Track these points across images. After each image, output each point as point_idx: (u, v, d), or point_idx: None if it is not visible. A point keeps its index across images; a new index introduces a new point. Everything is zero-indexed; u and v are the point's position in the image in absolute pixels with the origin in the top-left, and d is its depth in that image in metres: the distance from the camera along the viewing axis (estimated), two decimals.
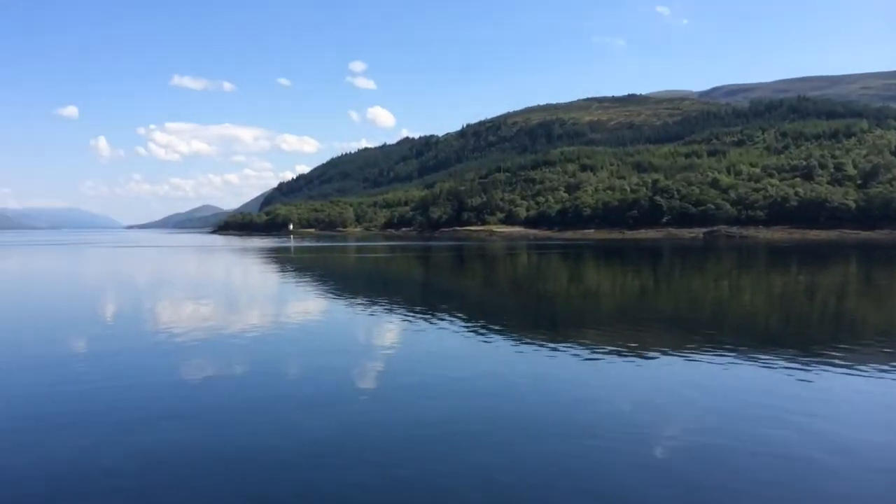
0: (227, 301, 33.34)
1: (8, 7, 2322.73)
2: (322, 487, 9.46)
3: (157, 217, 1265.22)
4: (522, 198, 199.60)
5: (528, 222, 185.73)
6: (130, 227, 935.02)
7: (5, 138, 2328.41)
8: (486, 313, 28.24)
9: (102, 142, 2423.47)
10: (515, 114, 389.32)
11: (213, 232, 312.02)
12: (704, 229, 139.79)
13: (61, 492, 9.42)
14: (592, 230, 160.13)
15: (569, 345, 19.44)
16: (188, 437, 11.52)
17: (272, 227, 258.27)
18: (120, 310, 30.24)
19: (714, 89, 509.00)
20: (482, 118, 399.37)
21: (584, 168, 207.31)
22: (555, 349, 18.81)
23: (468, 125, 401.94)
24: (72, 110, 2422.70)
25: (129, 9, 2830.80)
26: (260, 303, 33.05)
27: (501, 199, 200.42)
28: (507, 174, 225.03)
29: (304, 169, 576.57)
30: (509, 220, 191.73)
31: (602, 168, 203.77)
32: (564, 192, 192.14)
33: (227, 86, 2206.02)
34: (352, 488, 9.36)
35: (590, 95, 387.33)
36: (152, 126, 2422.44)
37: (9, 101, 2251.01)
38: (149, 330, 23.39)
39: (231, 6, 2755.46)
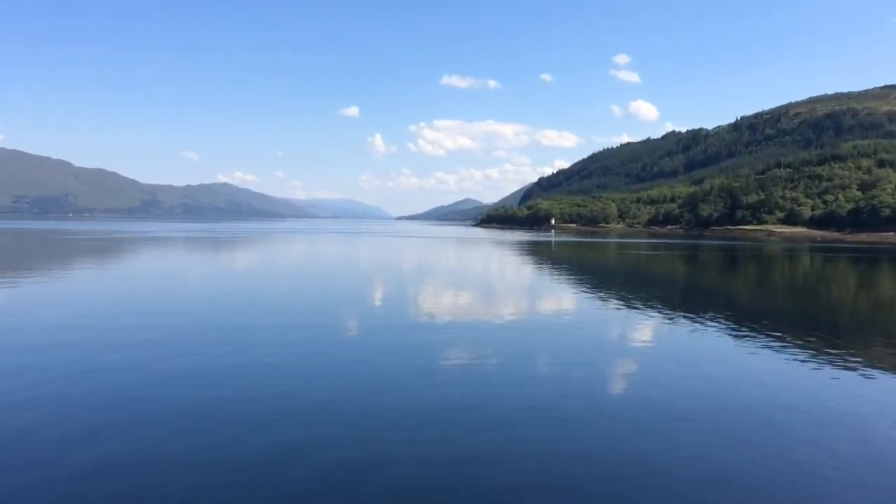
0: (486, 290, 35.39)
1: (302, 15, 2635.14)
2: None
3: (423, 209, 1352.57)
4: (806, 196, 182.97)
5: (813, 223, 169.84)
6: (399, 218, 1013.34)
7: (297, 137, 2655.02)
8: (753, 317, 26.70)
9: (378, 139, 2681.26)
10: (798, 104, 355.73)
11: (476, 224, 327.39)
12: None
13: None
14: (893, 233, 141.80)
15: (846, 359, 17.90)
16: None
17: (533, 221, 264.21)
18: (387, 292, 33.57)
19: None
20: (758, 109, 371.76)
21: (881, 164, 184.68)
22: (826, 361, 17.46)
23: (742, 117, 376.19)
24: (353, 110, 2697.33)
25: (403, 13, 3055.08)
26: (516, 293, 34.52)
27: (782, 197, 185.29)
28: (789, 170, 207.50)
29: (563, 164, 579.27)
30: (790, 219, 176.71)
31: None
32: (857, 189, 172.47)
33: (492, 83, 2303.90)
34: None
35: (889, 83, 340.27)
36: (422, 123, 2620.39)
37: (301, 104, 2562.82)
38: (412, 313, 25.96)
39: (498, 4, 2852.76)
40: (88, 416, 11.56)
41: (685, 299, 34.65)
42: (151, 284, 36.01)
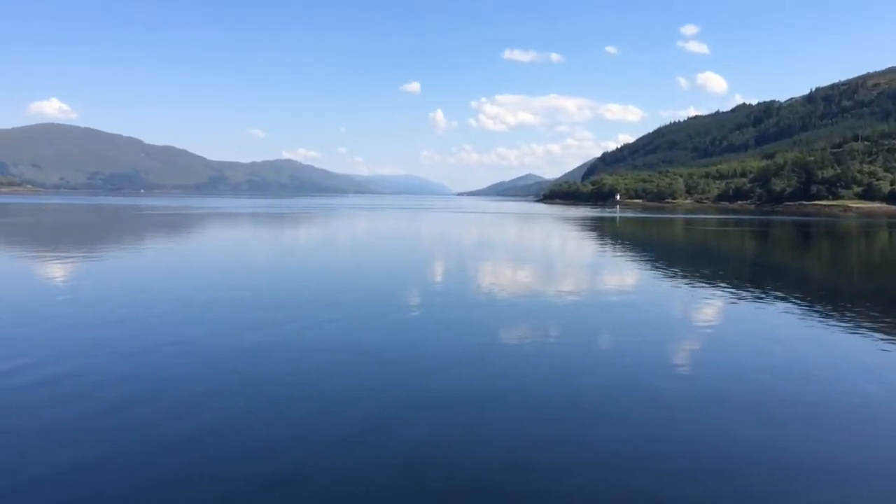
0: (549, 266, 35.96)
1: None
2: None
3: (484, 185, 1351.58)
4: (886, 170, 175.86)
5: (893, 198, 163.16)
6: (460, 194, 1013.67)
7: (360, 114, 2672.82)
8: (822, 295, 26.52)
9: (439, 114, 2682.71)
10: (876, 74, 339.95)
11: (539, 200, 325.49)
12: None
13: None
14: None
15: None
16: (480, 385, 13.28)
17: (598, 196, 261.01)
18: (448, 267, 34.32)
19: None
20: (833, 80, 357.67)
21: None
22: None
23: (817, 89, 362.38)
24: (415, 86, 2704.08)
25: None
26: (579, 270, 34.84)
27: (859, 172, 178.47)
28: (866, 143, 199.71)
29: (627, 138, 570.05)
30: (868, 195, 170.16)
31: None
32: None
33: (555, 57, 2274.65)
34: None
35: None
36: (483, 99, 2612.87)
37: (362, 81, 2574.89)
38: (473, 290, 26.66)
39: None
40: (185, 388, 12.15)
41: (756, 276, 34.26)
42: (229, 258, 37.82)
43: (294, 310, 19.97)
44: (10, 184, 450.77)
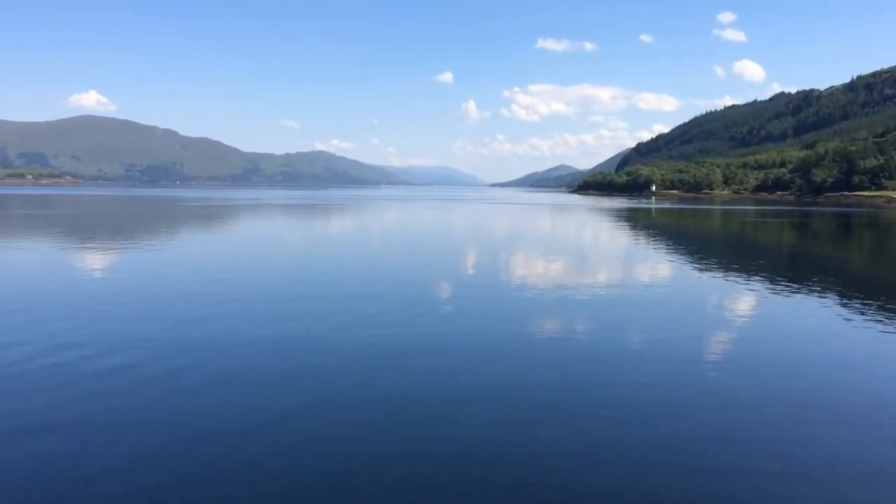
0: (587, 259, 36.15)
1: None
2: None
3: (516, 176, 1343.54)
4: None
5: None
6: (492, 185, 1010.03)
7: (392, 104, 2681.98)
8: (871, 291, 26.23)
9: (472, 105, 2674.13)
10: None
11: (573, 191, 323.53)
12: None
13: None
14: None
15: None
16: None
17: (633, 187, 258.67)
18: (481, 259, 34.76)
19: None
20: (875, 68, 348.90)
21: None
22: None
23: (858, 77, 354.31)
24: (447, 76, 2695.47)
25: None
26: (614, 262, 34.92)
27: None
28: None
29: (662, 128, 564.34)
30: None
31: None
32: None
33: (589, 46, 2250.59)
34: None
35: None
36: (516, 89, 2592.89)
37: (396, 71, 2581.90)
38: (507, 282, 27.03)
39: None
40: (245, 380, 13.19)
41: (798, 270, 33.96)
42: (273, 250, 38.77)
43: (341, 302, 20.67)
44: (51, 175, 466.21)
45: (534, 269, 30.32)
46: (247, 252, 36.78)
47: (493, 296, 22.60)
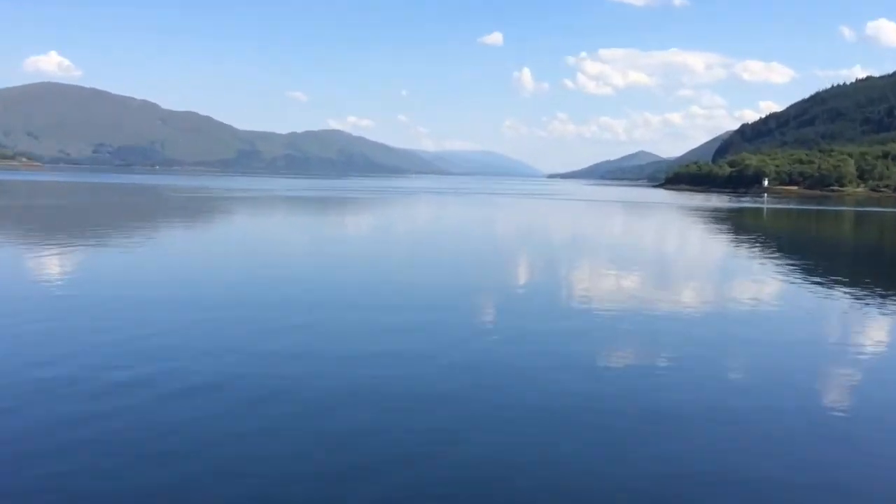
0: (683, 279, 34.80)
1: None
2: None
3: (582, 165, 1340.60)
4: None
5: None
6: (552, 176, 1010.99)
7: (426, 73, 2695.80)
8: None
9: (526, 74, 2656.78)
10: None
11: (658, 185, 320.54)
12: None
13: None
14: None
15: None
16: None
17: (738, 181, 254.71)
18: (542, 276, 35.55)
19: None
20: None
21: None
22: None
23: None
24: (496, 37, 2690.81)
25: None
26: (707, 277, 35.82)
27: None
28: None
29: (772, 106, 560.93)
30: None
31: None
32: None
33: (677, 1, 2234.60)
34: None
35: None
36: (583, 54, 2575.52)
37: (431, 31, 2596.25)
38: (567, 302, 27.58)
39: None
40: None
41: None
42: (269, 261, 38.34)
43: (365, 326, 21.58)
44: (2, 157, 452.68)
45: (601, 285, 28.21)
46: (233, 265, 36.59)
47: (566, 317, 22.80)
